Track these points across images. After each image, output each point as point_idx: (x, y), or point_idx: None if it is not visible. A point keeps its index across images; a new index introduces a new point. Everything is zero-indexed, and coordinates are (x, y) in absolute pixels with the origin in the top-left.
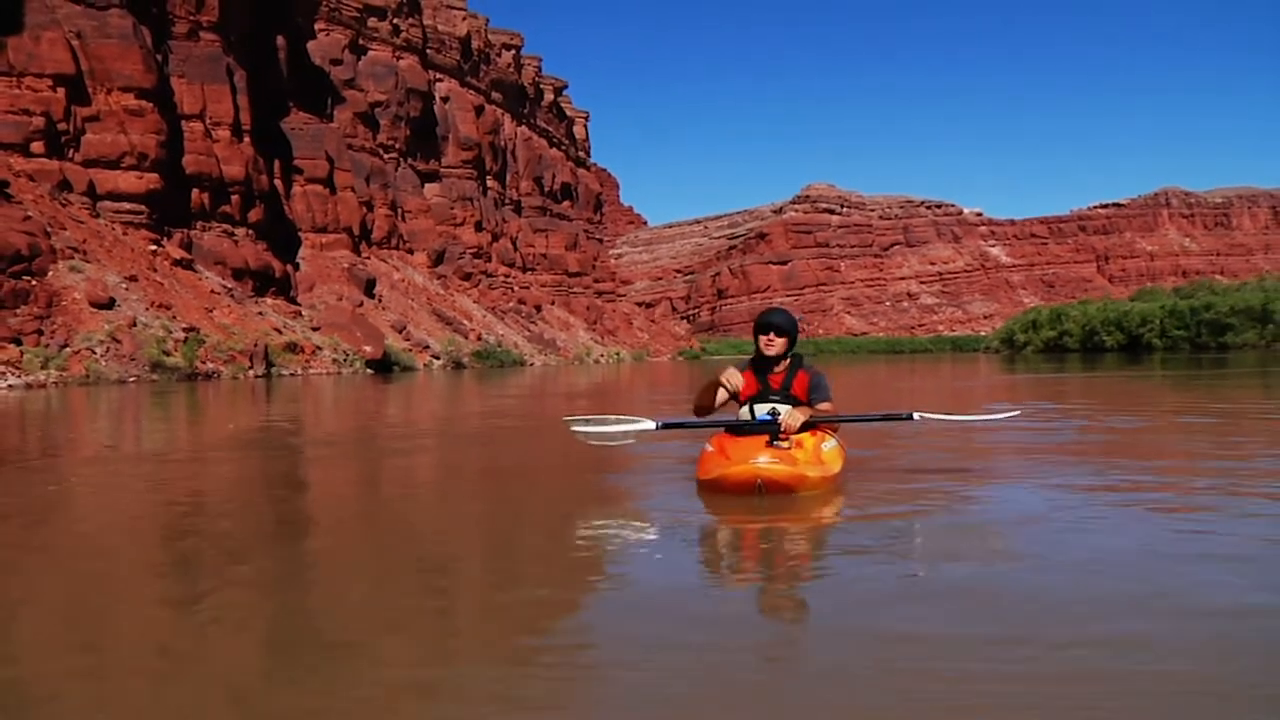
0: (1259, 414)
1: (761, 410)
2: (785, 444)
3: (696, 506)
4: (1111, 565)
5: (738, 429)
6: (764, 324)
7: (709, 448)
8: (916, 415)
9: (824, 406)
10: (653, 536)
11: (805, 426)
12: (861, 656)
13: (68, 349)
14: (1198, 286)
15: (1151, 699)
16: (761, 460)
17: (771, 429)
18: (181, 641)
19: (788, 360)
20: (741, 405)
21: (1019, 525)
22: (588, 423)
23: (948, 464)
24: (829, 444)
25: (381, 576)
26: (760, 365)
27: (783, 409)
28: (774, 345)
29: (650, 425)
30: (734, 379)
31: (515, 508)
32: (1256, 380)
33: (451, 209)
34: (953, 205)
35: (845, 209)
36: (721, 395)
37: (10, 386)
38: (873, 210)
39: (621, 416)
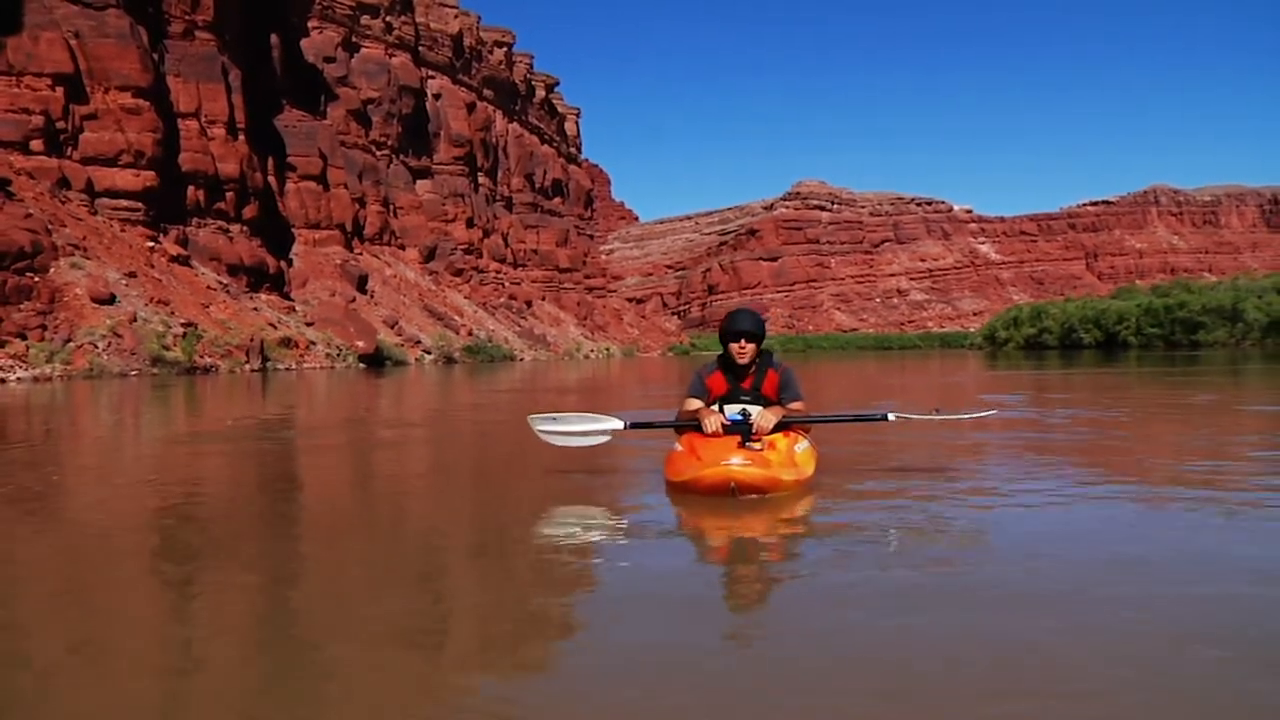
0: (1228, 408)
1: (732, 411)
2: (758, 445)
3: (667, 507)
4: (1089, 568)
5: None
6: (733, 332)
7: (678, 448)
8: (892, 415)
9: (795, 406)
10: (624, 539)
11: (778, 427)
12: (835, 659)
13: (71, 343)
14: (1174, 285)
15: (1126, 702)
16: (734, 462)
17: (743, 430)
18: (177, 627)
19: (757, 359)
20: (711, 405)
21: (997, 527)
22: (553, 421)
23: (926, 464)
24: (802, 445)
25: (364, 572)
26: (729, 365)
27: (753, 410)
28: (745, 353)
29: (618, 424)
30: (693, 405)
31: (488, 508)
32: (1226, 378)
33: (443, 205)
34: (943, 202)
35: (836, 206)
36: (696, 404)
37: (19, 379)
38: (863, 207)
39: (587, 415)
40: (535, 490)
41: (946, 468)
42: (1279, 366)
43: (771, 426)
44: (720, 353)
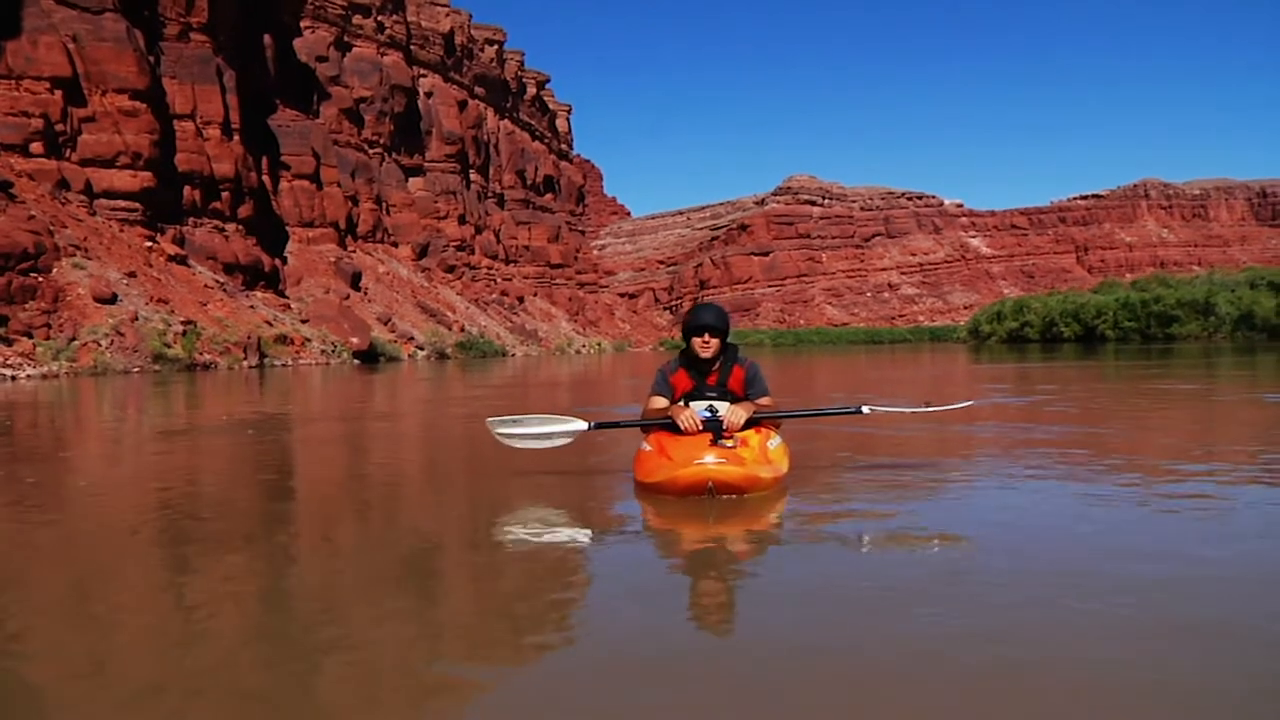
0: (1202, 396)
1: (698, 408)
2: (730, 443)
3: (639, 508)
4: (1071, 563)
5: (678, 428)
6: (696, 326)
7: (647, 447)
8: (865, 409)
9: (764, 401)
10: (595, 540)
11: (749, 423)
12: (812, 658)
13: (75, 342)
14: (1151, 280)
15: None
16: (709, 461)
17: (714, 427)
18: (173, 614)
19: (721, 355)
20: (676, 403)
21: (974, 523)
22: (514, 423)
23: (905, 459)
24: (774, 441)
25: (347, 570)
26: (692, 361)
27: (721, 406)
28: (709, 347)
29: (582, 426)
30: (658, 403)
31: (463, 508)
32: (1196, 370)
33: (435, 203)
34: (933, 196)
35: (827, 200)
36: (663, 403)
37: (28, 376)
38: (854, 201)
39: (550, 416)
40: (505, 492)
41: (925, 463)
42: (1246, 358)
43: (742, 423)
44: (683, 347)
